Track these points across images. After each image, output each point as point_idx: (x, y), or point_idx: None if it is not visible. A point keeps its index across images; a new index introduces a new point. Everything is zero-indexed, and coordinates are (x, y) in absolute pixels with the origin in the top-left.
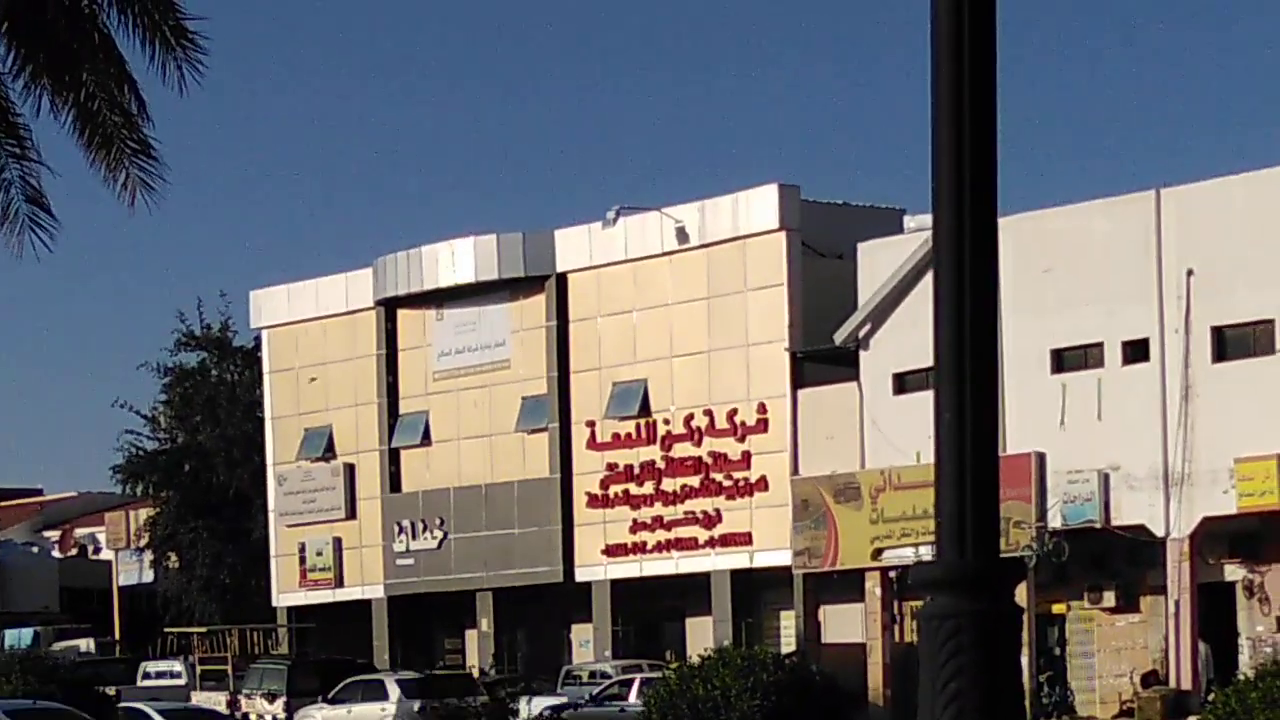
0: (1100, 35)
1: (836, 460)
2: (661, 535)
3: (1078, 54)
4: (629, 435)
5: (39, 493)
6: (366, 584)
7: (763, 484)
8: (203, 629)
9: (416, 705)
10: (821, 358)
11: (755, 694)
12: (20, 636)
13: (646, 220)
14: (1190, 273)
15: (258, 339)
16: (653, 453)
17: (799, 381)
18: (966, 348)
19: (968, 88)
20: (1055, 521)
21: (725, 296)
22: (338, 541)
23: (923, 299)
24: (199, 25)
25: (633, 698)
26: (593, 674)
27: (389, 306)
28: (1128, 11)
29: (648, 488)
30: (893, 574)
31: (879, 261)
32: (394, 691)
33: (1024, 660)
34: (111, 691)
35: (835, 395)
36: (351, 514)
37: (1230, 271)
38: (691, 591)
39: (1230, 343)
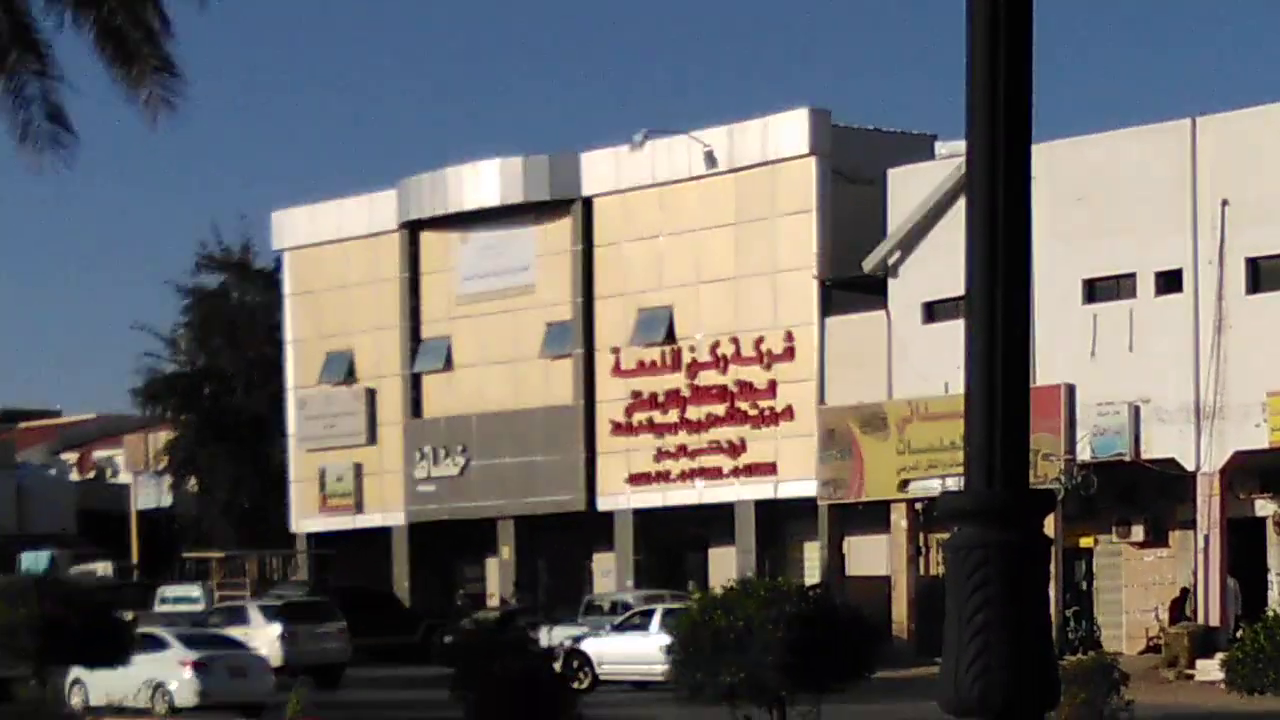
0: None
1: (864, 390)
2: (685, 464)
3: None
4: (654, 362)
5: (57, 414)
6: (387, 510)
7: (789, 413)
8: (221, 554)
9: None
10: (850, 285)
11: (778, 625)
12: (37, 559)
13: (674, 144)
14: (1225, 203)
15: (278, 261)
16: (678, 380)
17: (827, 309)
18: (999, 275)
19: (1003, 11)
20: (1084, 454)
21: (753, 222)
22: (358, 467)
23: (953, 227)
24: None
25: (654, 628)
26: (614, 604)
27: (412, 229)
28: None
29: (672, 416)
30: (918, 506)
31: (909, 188)
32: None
33: (1050, 594)
34: (128, 616)
35: (863, 324)
36: (372, 439)
37: (1266, 202)
38: (715, 521)
39: (1264, 274)
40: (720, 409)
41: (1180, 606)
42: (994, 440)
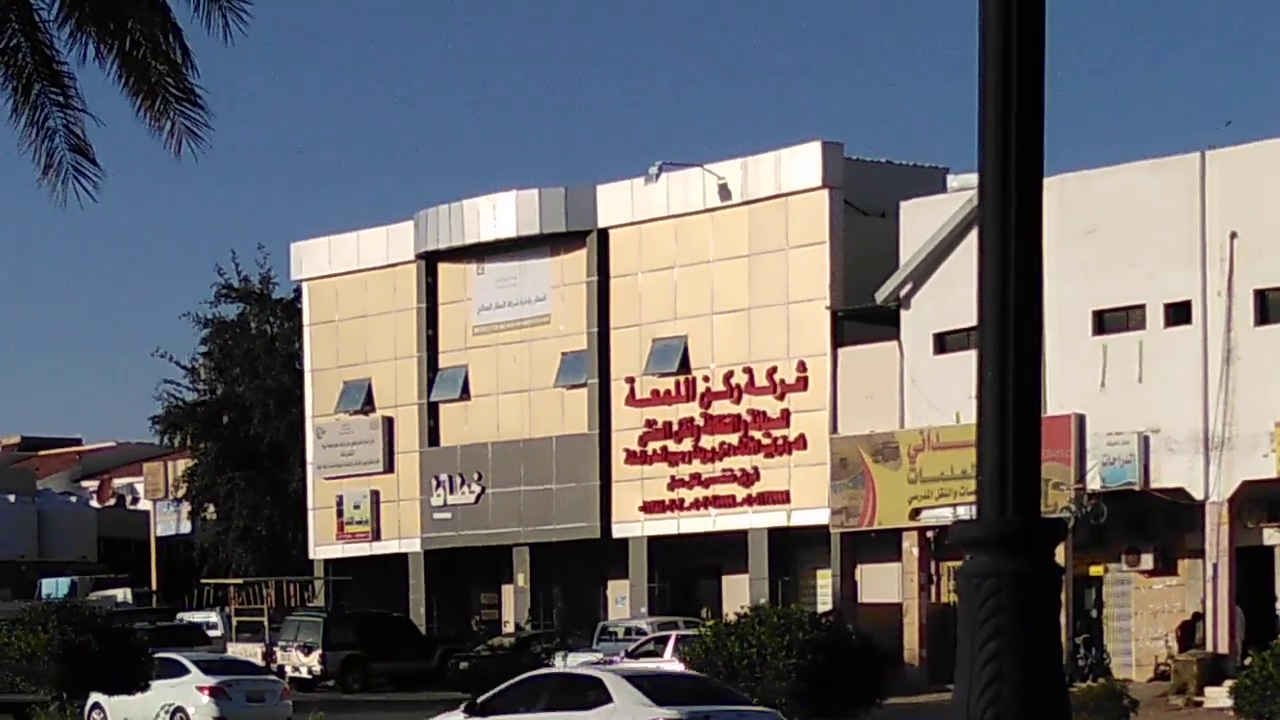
0: None
1: (875, 419)
2: (699, 492)
3: (1126, 13)
4: (668, 392)
5: (78, 442)
6: (403, 538)
7: (801, 442)
8: (239, 580)
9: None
10: (862, 316)
11: (791, 652)
12: (58, 586)
13: (689, 176)
14: (1234, 235)
15: (297, 291)
16: (692, 410)
17: (839, 340)
18: (1010, 305)
19: (1016, 46)
20: (1094, 483)
21: (767, 254)
22: (375, 495)
23: (965, 258)
24: None
25: (668, 654)
26: (628, 630)
27: (430, 260)
28: None
29: (686, 445)
30: (930, 534)
31: (921, 220)
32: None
33: (1060, 622)
34: (147, 638)
35: (875, 354)
36: (389, 467)
37: (1274, 234)
38: (728, 549)
39: (1273, 306)
40: (734, 438)
41: (1190, 631)
42: (1006, 469)
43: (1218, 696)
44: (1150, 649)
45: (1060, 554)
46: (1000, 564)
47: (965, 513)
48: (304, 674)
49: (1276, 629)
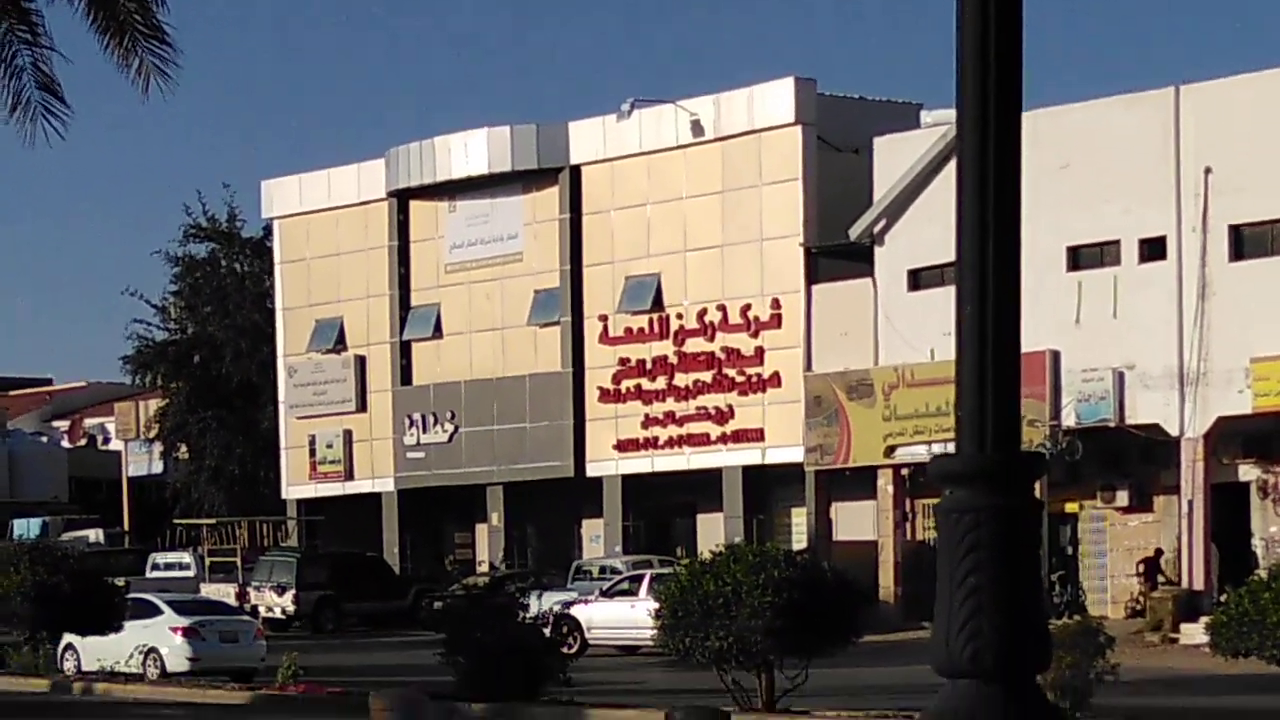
0: None
1: (850, 357)
2: (673, 431)
3: None
4: (641, 330)
5: (48, 382)
6: (377, 477)
7: (775, 380)
8: (212, 521)
9: None
10: (836, 253)
11: (766, 591)
12: (29, 526)
13: (661, 113)
14: (1208, 171)
15: (267, 229)
16: (665, 347)
17: (813, 277)
18: (990, 241)
19: None
20: (1069, 420)
21: (740, 190)
22: (348, 434)
23: (939, 195)
24: None
25: (643, 593)
26: (603, 569)
27: (401, 198)
28: None
29: (660, 383)
30: (905, 471)
31: (895, 156)
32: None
33: None
34: (120, 582)
35: (849, 291)
36: (362, 406)
37: (1249, 170)
38: (703, 487)
39: (1248, 241)
40: (707, 376)
41: (1153, 567)
42: (985, 405)
43: (1193, 633)
44: (1126, 585)
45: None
46: (980, 499)
47: (940, 450)
48: (277, 614)
49: (1251, 565)
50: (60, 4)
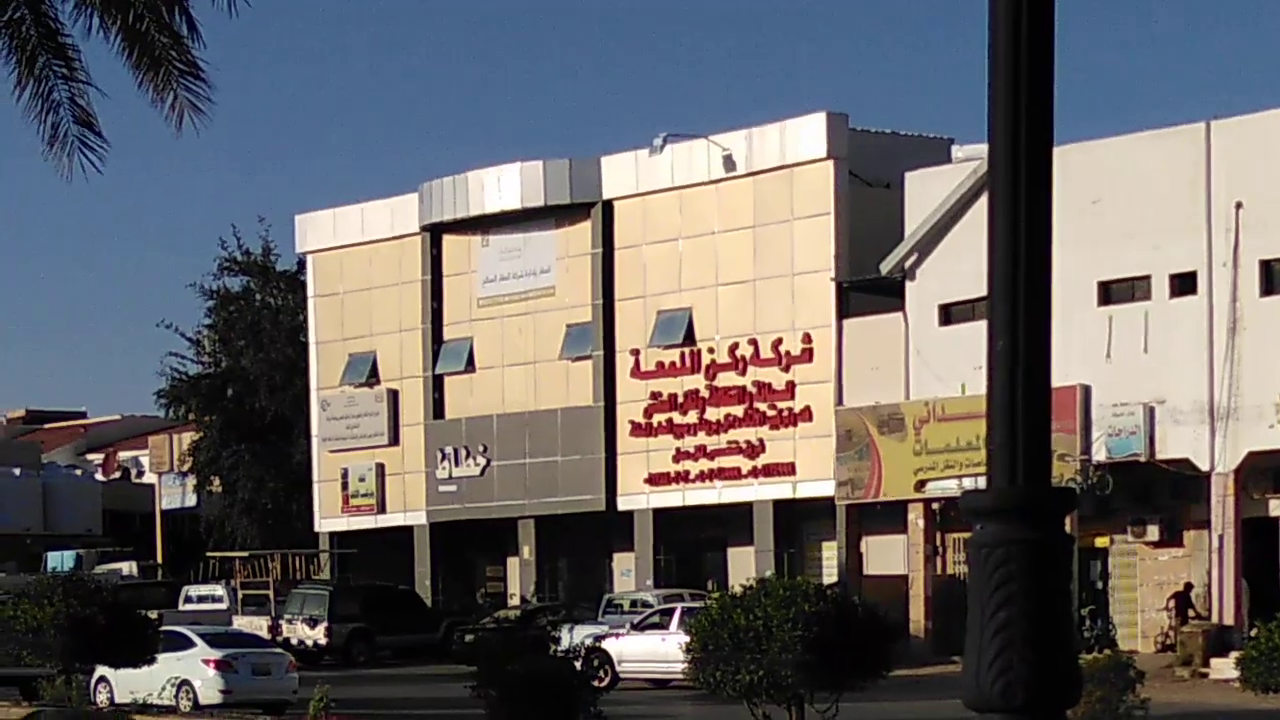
0: None
1: (881, 391)
2: (704, 464)
3: None
4: (673, 364)
5: (83, 415)
6: (409, 510)
7: (807, 414)
8: (244, 554)
9: None
10: (867, 288)
11: (797, 624)
12: (63, 559)
13: (693, 148)
14: (1239, 205)
15: (301, 262)
16: (697, 381)
17: (844, 311)
18: (1020, 273)
19: (1025, 14)
20: (1100, 454)
21: (771, 225)
22: (380, 467)
23: (970, 229)
24: None
25: (674, 626)
26: (634, 603)
27: (434, 232)
28: None
29: (691, 416)
30: (935, 506)
31: (926, 191)
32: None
33: None
34: (153, 615)
35: (880, 325)
36: (394, 440)
37: (1279, 205)
38: (734, 521)
39: (1278, 277)
40: (739, 410)
41: (1183, 602)
42: (1016, 439)
43: (1223, 668)
44: (1156, 620)
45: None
46: (1011, 533)
47: (971, 484)
48: (309, 647)
49: None
50: (96, 39)
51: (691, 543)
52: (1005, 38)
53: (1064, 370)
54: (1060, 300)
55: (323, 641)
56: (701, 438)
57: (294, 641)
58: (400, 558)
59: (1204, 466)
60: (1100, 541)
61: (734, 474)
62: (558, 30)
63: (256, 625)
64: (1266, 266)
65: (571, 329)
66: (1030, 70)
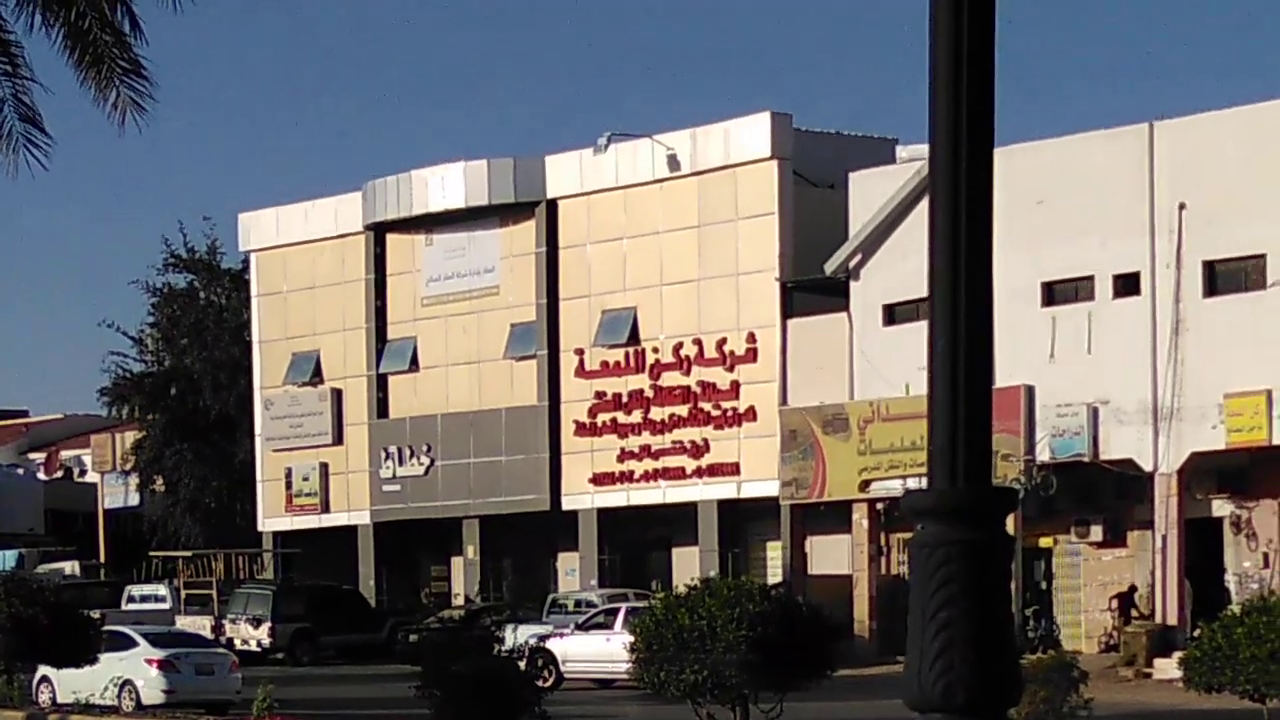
0: None
1: (825, 391)
2: (649, 464)
3: None
4: (618, 363)
5: (25, 414)
6: (353, 510)
7: (751, 414)
8: (188, 553)
9: None
10: (812, 288)
11: (741, 624)
12: (5, 559)
13: (638, 147)
14: (1182, 206)
15: (245, 262)
16: (641, 381)
17: (789, 311)
18: (961, 275)
19: (966, 14)
20: (1043, 455)
21: (716, 225)
22: (324, 467)
23: (914, 230)
24: None
25: (618, 626)
26: (578, 603)
27: (378, 231)
28: None
29: (636, 416)
30: (880, 506)
31: (871, 191)
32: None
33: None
34: (96, 615)
35: (825, 325)
36: (338, 439)
37: (1222, 206)
38: (678, 521)
39: (1221, 277)
40: (683, 410)
41: (1127, 602)
42: (957, 439)
43: (1167, 668)
44: (1100, 621)
45: (1010, 525)
46: (952, 533)
47: (915, 484)
48: (253, 647)
49: (1225, 600)
50: (39, 35)
51: (636, 543)
52: (945, 37)
53: (1008, 371)
54: (1004, 301)
55: (266, 641)
56: (646, 437)
57: (237, 641)
58: (344, 557)
59: (1147, 467)
60: (1044, 542)
61: (678, 474)
62: (502, 30)
63: (200, 625)
64: (1210, 267)
65: (516, 328)
66: (970, 70)
